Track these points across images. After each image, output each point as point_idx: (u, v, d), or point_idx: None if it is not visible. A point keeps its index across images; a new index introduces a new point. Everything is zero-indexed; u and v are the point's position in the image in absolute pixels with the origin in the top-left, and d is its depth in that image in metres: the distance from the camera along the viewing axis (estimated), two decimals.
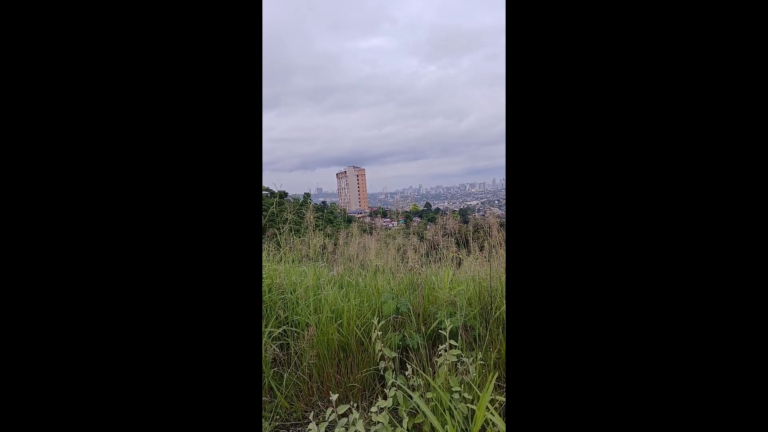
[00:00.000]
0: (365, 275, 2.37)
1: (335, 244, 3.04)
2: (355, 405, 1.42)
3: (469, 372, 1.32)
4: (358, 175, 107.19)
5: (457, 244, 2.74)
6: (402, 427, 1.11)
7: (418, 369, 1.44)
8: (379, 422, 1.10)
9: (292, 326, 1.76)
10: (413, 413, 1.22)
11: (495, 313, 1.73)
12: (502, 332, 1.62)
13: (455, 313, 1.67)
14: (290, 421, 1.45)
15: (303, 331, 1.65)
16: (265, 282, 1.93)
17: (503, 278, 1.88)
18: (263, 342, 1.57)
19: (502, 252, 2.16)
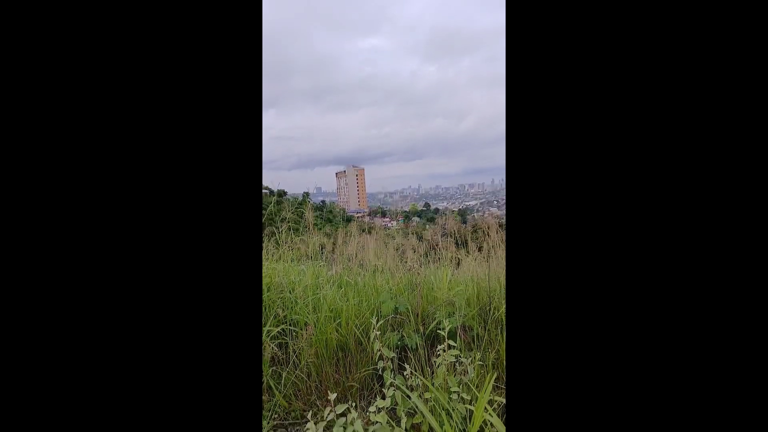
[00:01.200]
0: (364, 275, 2.37)
1: (334, 244, 3.04)
2: (354, 404, 1.42)
3: (467, 372, 1.33)
4: (357, 175, 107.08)
5: (456, 244, 2.75)
6: (400, 427, 1.11)
7: (417, 369, 1.45)
8: (377, 422, 1.10)
9: (290, 325, 1.76)
10: (411, 413, 1.23)
11: (493, 313, 1.73)
12: (501, 333, 1.62)
13: (454, 313, 1.68)
14: (288, 420, 1.45)
15: (301, 330, 1.65)
16: (264, 281, 1.93)
17: (502, 278, 1.88)
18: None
19: (501, 252, 2.16)
